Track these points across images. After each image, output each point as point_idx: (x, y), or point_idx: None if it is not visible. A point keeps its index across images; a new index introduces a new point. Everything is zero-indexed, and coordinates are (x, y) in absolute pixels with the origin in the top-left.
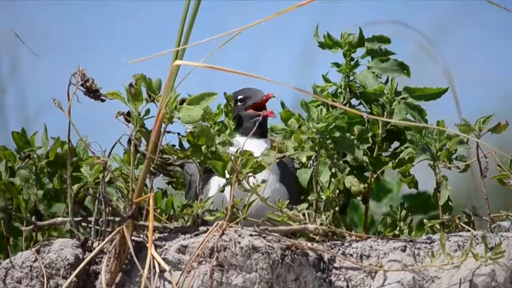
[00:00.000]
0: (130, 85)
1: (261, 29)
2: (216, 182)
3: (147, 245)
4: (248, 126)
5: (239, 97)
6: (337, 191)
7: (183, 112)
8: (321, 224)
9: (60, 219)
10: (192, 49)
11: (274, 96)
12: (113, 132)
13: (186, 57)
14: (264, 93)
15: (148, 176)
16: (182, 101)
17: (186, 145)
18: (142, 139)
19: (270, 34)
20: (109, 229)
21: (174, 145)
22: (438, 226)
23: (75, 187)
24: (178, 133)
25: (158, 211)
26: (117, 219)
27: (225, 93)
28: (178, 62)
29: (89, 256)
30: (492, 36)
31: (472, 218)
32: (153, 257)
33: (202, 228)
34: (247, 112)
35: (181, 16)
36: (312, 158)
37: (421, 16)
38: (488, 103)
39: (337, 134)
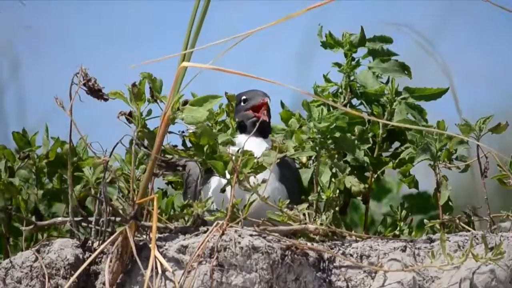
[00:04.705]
0: (133, 84)
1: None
2: (216, 181)
3: (149, 245)
4: (246, 126)
5: (243, 97)
6: (338, 191)
7: (186, 113)
8: (321, 224)
9: (60, 219)
10: (194, 51)
11: (267, 102)
12: (113, 132)
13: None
14: (264, 97)
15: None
16: (185, 102)
17: (188, 145)
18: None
19: (268, 34)
20: (109, 230)
21: (175, 146)
22: (438, 226)
23: (76, 187)
24: (182, 132)
25: (158, 211)
26: (118, 219)
27: (226, 93)
28: (185, 63)
29: (91, 257)
30: (491, 34)
31: (472, 218)
32: (156, 258)
33: (202, 228)
34: (246, 113)
35: (190, 18)
36: (313, 158)
37: (417, 15)
38: (488, 102)
39: (338, 134)
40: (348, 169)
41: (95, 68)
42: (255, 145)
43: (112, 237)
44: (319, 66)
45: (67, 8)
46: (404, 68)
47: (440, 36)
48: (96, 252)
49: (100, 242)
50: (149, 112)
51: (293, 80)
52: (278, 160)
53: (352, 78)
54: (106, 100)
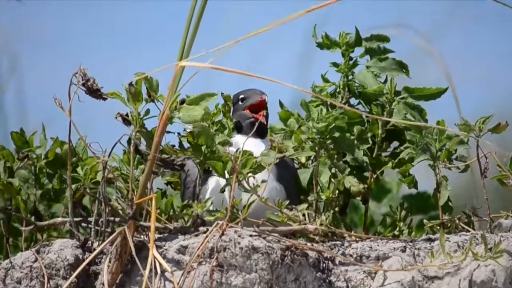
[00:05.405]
0: (130, 84)
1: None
2: (214, 182)
3: (148, 245)
4: (243, 126)
5: (241, 96)
6: (337, 191)
7: (183, 112)
8: (321, 225)
9: (60, 219)
10: (193, 50)
11: (265, 100)
12: (113, 132)
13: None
14: (262, 95)
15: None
16: (182, 101)
17: (185, 145)
18: (142, 139)
19: (269, 34)
20: (108, 230)
21: (173, 145)
22: (438, 227)
23: (74, 187)
24: (178, 133)
25: (158, 211)
26: (117, 219)
27: (222, 93)
28: (183, 63)
29: (90, 257)
30: (491, 34)
31: (472, 218)
32: (155, 258)
33: (202, 229)
34: (243, 112)
35: (187, 17)
36: (312, 158)
37: (417, 15)
38: (488, 102)
39: (337, 134)
40: (348, 169)
41: (95, 68)
42: (253, 145)
43: (110, 237)
44: (320, 67)
45: (67, 8)
46: (402, 67)
47: (440, 36)
48: (95, 253)
49: (100, 242)
50: (147, 112)
51: (294, 80)
52: (277, 160)
53: (350, 77)
54: (104, 99)
